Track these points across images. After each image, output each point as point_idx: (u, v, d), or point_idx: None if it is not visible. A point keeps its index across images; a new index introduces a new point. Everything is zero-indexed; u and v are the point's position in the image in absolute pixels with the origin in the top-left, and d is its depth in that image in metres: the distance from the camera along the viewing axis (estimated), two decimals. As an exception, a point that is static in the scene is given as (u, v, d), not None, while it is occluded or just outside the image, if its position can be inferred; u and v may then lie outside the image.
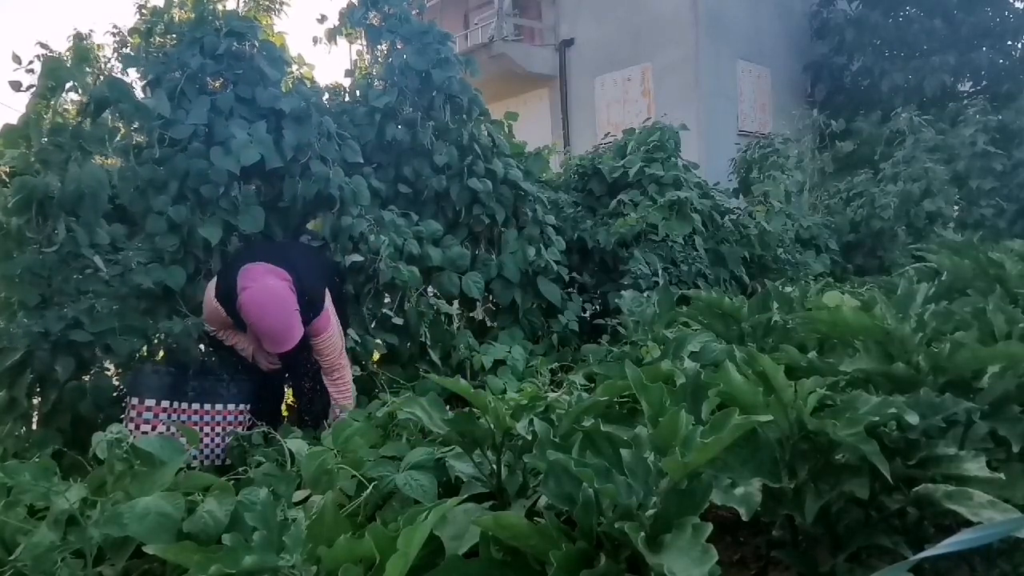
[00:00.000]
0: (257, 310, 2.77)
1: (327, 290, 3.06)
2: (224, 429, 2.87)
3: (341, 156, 3.64)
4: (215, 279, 2.99)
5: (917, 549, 1.48)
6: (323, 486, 1.90)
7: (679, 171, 5.43)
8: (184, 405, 2.80)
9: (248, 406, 2.99)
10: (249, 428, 2.89)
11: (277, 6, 4.17)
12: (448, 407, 1.95)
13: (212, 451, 2.82)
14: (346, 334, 3.42)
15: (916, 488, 1.42)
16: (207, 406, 2.84)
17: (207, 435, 2.81)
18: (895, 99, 12.46)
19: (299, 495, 1.94)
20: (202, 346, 3.05)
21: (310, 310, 2.92)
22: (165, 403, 2.75)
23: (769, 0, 13.51)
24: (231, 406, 2.91)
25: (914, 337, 1.77)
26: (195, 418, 2.81)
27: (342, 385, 3.07)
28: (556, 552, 1.27)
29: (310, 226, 3.59)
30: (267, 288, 2.80)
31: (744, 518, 1.36)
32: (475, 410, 1.81)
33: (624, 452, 1.40)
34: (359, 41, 4.52)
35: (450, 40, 4.36)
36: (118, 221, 3.14)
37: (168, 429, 2.67)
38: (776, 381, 1.55)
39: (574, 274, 4.87)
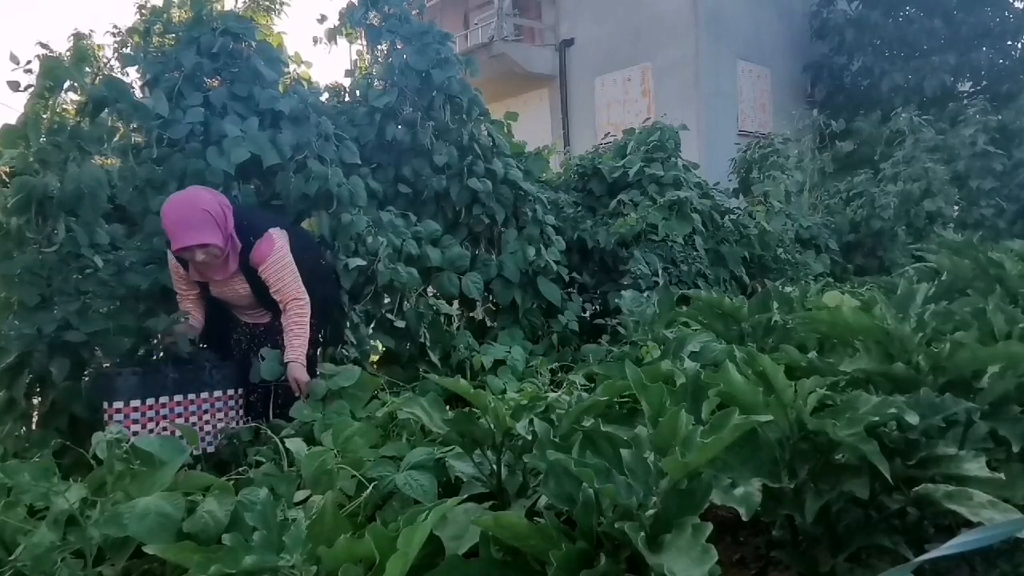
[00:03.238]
0: (169, 205, 2.81)
1: (280, 230, 3.01)
2: (214, 416, 2.86)
3: (339, 157, 3.64)
4: None
5: (917, 549, 1.48)
6: (323, 486, 1.90)
7: (679, 171, 5.44)
8: (166, 399, 2.78)
9: (240, 390, 2.97)
10: (241, 421, 2.89)
11: (277, 6, 4.17)
12: (448, 407, 1.95)
13: (203, 438, 2.80)
14: (343, 334, 3.40)
15: (916, 488, 1.42)
16: (191, 395, 2.82)
17: (195, 424, 2.80)
18: (895, 99, 12.47)
19: (299, 495, 1.93)
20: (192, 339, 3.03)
21: (249, 233, 2.91)
22: (151, 400, 2.74)
23: (769, 0, 13.51)
24: (218, 392, 2.89)
25: (914, 337, 1.77)
26: (179, 409, 2.79)
27: (299, 322, 2.95)
28: (556, 552, 1.27)
29: (305, 224, 3.58)
30: (190, 190, 2.89)
31: (744, 518, 1.36)
32: (475, 410, 1.81)
33: (624, 452, 1.40)
34: (359, 41, 4.53)
35: (450, 40, 4.37)
36: (118, 221, 3.14)
37: (157, 425, 2.67)
38: (776, 381, 1.55)
39: (574, 274, 4.87)
